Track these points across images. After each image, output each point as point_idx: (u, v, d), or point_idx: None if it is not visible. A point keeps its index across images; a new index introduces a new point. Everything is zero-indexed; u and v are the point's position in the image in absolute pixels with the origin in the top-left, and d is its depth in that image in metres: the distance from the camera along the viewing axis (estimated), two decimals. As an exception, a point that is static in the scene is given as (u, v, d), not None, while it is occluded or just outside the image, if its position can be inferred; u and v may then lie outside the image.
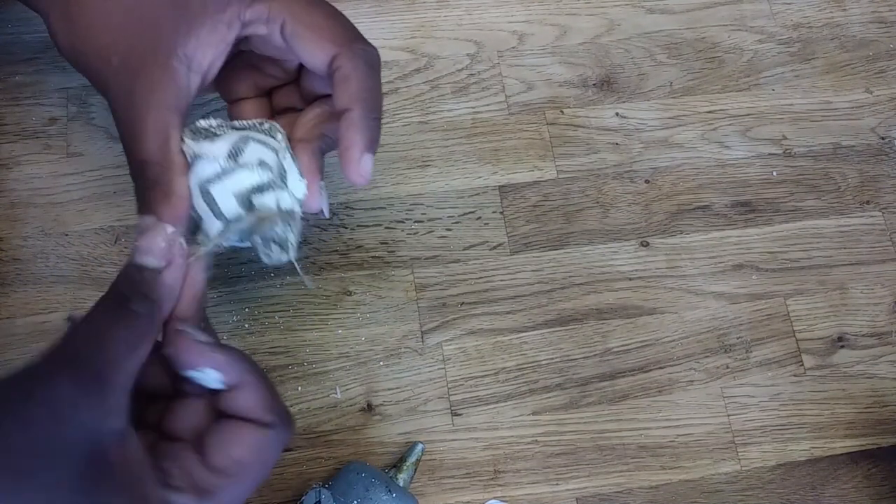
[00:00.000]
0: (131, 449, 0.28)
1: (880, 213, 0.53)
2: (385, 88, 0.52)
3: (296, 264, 0.37)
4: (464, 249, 0.49)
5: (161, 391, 0.33)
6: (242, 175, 0.35)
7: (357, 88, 0.36)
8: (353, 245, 0.49)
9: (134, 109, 0.35)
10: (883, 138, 0.55)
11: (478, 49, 0.54)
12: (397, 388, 0.46)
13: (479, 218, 0.50)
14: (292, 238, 0.36)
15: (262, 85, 0.40)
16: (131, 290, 0.30)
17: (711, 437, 0.47)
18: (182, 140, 0.35)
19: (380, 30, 0.54)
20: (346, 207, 0.49)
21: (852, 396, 0.49)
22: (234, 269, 0.47)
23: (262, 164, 0.35)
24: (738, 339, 0.49)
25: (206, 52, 0.35)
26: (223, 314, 0.46)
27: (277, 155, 0.36)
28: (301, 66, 0.40)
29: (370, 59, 0.37)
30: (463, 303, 0.48)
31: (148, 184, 0.34)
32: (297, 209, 0.37)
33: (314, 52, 0.36)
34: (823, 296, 0.51)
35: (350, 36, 0.37)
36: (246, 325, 0.46)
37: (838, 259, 0.52)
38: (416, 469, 0.44)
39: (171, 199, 0.34)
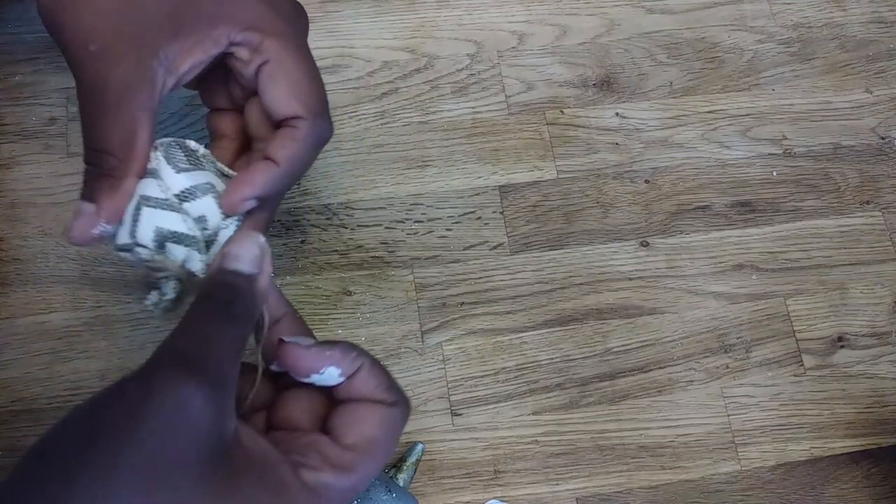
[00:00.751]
0: (253, 441, 0.29)
1: (880, 213, 0.53)
2: (385, 88, 0.53)
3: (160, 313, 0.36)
4: (464, 249, 0.49)
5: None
6: (175, 218, 0.34)
7: (293, 155, 0.36)
8: (353, 245, 0.49)
9: (104, 100, 0.34)
10: (883, 138, 0.55)
11: (478, 49, 0.54)
12: (397, 388, 0.46)
13: (479, 218, 0.50)
14: (171, 297, 0.35)
15: (237, 99, 0.39)
16: (232, 294, 0.30)
17: (711, 437, 0.47)
18: (155, 147, 0.35)
19: (380, 30, 0.54)
20: (346, 207, 0.49)
21: (852, 396, 0.49)
22: (234, 269, 0.47)
23: (200, 219, 0.34)
24: (738, 339, 0.49)
25: (187, 59, 0.35)
26: (223, 314, 0.46)
27: (224, 220, 0.35)
28: None
29: (321, 136, 0.37)
30: (463, 303, 0.48)
31: (101, 171, 0.34)
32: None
33: (279, 102, 0.36)
34: (823, 296, 0.51)
35: (319, 108, 0.37)
36: (246, 325, 0.46)
37: (838, 259, 0.52)
38: (416, 469, 0.44)
39: (116, 194, 0.34)
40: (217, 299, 0.30)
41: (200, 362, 0.27)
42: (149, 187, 0.34)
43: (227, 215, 0.35)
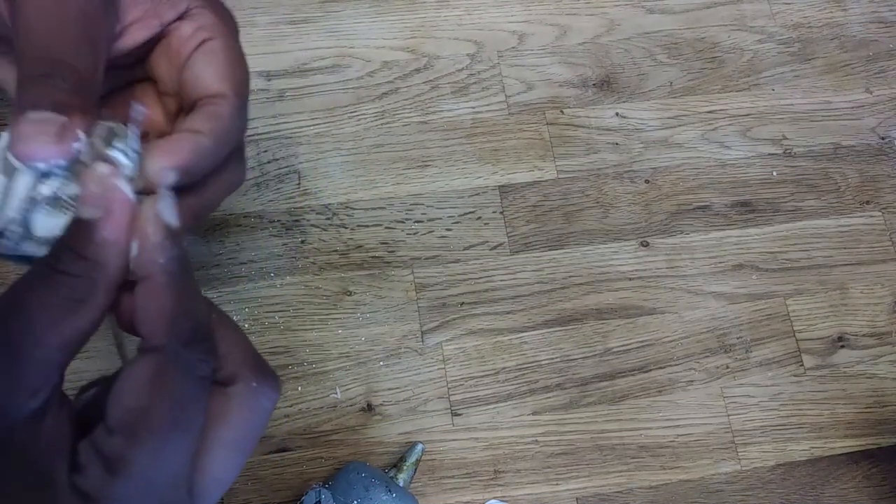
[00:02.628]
0: (46, 431, 0.23)
1: (880, 213, 0.53)
2: (385, 88, 0.52)
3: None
4: (464, 249, 0.49)
5: None
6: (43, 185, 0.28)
7: (220, 129, 0.31)
8: (353, 245, 0.49)
9: (65, 13, 0.28)
10: (883, 138, 0.55)
11: (478, 49, 0.54)
12: (397, 388, 0.46)
13: (479, 218, 0.50)
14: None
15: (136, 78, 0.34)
16: (60, 247, 0.25)
17: (711, 436, 0.47)
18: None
19: (380, 30, 0.54)
20: (346, 207, 0.49)
21: (852, 396, 0.49)
22: (234, 270, 0.47)
23: (57, 201, 0.28)
24: (738, 339, 0.49)
25: (140, 23, 0.31)
26: (223, 314, 0.46)
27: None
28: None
29: (241, 125, 0.33)
30: (463, 303, 0.48)
31: (66, 84, 0.28)
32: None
33: (208, 78, 0.32)
34: (823, 296, 0.51)
35: (244, 96, 0.33)
36: (246, 325, 0.46)
37: (838, 259, 0.52)
38: (416, 469, 0.44)
39: (87, 112, 0.28)
40: (45, 257, 0.25)
41: None
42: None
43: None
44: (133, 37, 0.32)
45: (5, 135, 0.29)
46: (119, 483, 0.23)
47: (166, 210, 0.27)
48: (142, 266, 0.25)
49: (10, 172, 0.28)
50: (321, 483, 0.42)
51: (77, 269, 0.24)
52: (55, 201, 0.28)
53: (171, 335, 0.25)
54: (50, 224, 0.28)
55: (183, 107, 0.33)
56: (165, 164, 0.28)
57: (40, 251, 0.28)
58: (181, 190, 0.30)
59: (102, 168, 0.26)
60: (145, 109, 0.31)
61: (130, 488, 0.23)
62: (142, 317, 0.25)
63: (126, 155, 0.28)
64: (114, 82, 0.33)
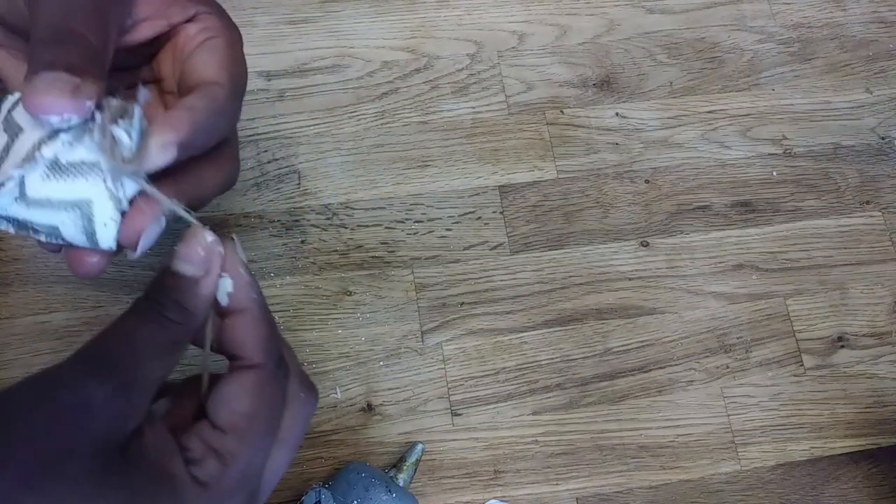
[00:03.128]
0: (154, 438, 0.28)
1: (880, 213, 0.53)
2: (385, 88, 0.53)
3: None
4: (464, 249, 0.49)
5: None
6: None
7: (213, 108, 0.32)
8: (352, 245, 0.49)
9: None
10: (883, 138, 0.55)
11: (478, 49, 0.54)
12: (397, 388, 0.46)
13: (479, 218, 0.50)
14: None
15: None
16: (166, 297, 0.29)
17: (711, 437, 0.47)
18: None
19: (380, 30, 0.54)
20: (346, 207, 0.49)
21: (852, 396, 0.49)
22: (234, 269, 0.47)
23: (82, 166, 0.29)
24: (738, 338, 0.49)
25: (150, 21, 0.34)
26: (223, 314, 0.46)
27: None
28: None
29: (235, 112, 0.35)
30: (463, 303, 0.48)
31: (78, 49, 0.29)
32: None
33: (207, 67, 0.34)
34: (823, 296, 0.51)
35: (241, 88, 0.35)
36: (246, 325, 0.46)
37: (838, 259, 0.52)
38: (416, 469, 0.44)
39: (100, 76, 0.29)
40: (151, 301, 0.29)
41: (110, 361, 0.27)
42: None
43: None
44: (141, 32, 0.34)
45: (10, 97, 0.30)
46: (230, 472, 0.28)
47: (242, 251, 0.31)
48: (239, 301, 0.30)
49: (14, 132, 0.28)
50: (321, 483, 0.42)
51: (180, 317, 0.29)
52: (54, 166, 0.29)
53: (268, 356, 0.30)
54: (45, 189, 0.29)
55: (180, 95, 0.34)
56: (169, 137, 0.30)
57: (30, 216, 0.29)
58: (177, 173, 0.32)
59: (209, 235, 0.29)
60: (150, 93, 0.33)
61: (237, 477, 0.29)
62: (241, 341, 0.30)
63: (129, 135, 0.29)
64: (119, 83, 0.33)
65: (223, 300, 0.30)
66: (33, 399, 0.26)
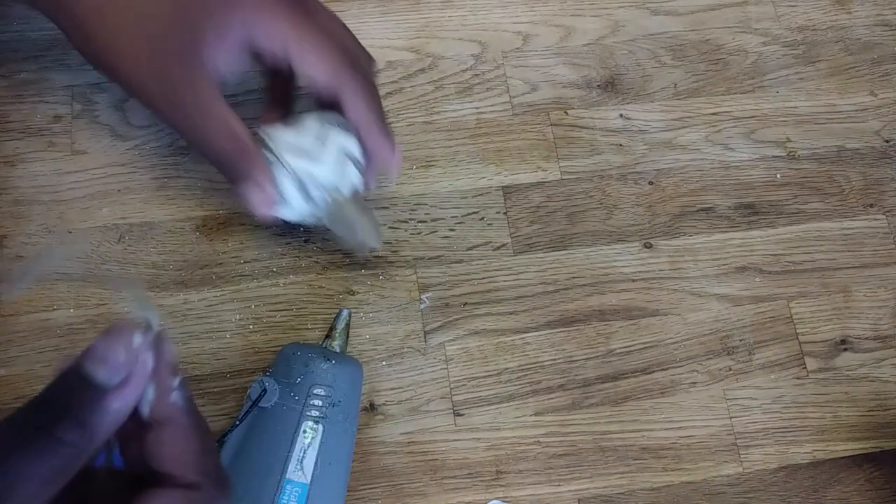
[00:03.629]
0: None
1: (884, 216, 0.53)
2: (389, 88, 0.53)
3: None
4: (467, 250, 0.49)
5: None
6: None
7: (369, 105, 0.41)
8: (356, 244, 0.49)
9: (186, 103, 0.36)
10: (887, 141, 0.55)
11: (482, 49, 0.54)
12: (400, 387, 0.46)
13: (483, 218, 0.50)
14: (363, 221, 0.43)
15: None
16: (63, 409, 0.23)
17: (714, 439, 0.47)
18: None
19: (384, 30, 0.54)
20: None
21: (855, 399, 0.49)
22: (238, 269, 0.47)
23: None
24: (740, 341, 0.49)
25: (219, 50, 0.37)
26: (226, 313, 0.46)
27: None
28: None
29: (370, 79, 0.42)
30: (466, 303, 0.48)
31: (237, 174, 0.39)
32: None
33: (317, 73, 0.39)
34: (826, 298, 0.51)
35: (357, 65, 0.41)
36: (249, 325, 0.46)
37: (842, 262, 0.52)
38: (348, 335, 0.44)
39: (264, 189, 0.40)
40: (43, 412, 0.23)
41: None
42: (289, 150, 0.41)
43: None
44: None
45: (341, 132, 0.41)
46: None
47: (171, 352, 0.27)
48: (162, 410, 0.26)
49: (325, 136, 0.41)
50: (262, 373, 0.42)
51: (75, 438, 0.23)
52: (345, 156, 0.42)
53: (202, 474, 0.26)
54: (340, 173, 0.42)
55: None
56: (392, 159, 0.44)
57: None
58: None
59: (138, 338, 0.25)
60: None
61: None
62: (170, 456, 0.25)
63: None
64: None
65: (144, 410, 0.26)
66: None
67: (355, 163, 0.42)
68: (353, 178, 0.42)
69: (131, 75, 0.37)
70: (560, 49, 0.55)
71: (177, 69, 0.36)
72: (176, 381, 0.26)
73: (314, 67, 0.38)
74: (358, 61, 0.40)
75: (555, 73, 0.54)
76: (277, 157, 0.40)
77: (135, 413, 0.26)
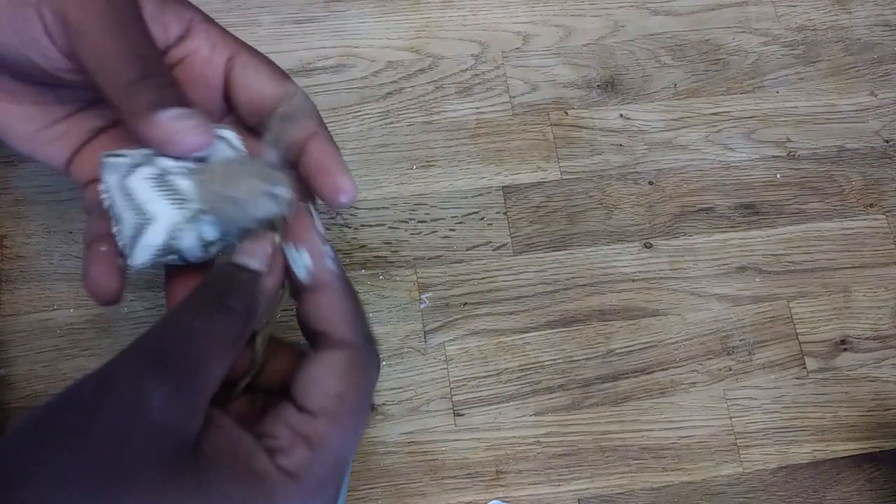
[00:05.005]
0: (225, 432, 0.26)
1: (884, 217, 0.53)
2: (389, 88, 0.53)
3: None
4: (467, 250, 0.49)
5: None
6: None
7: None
8: (356, 244, 0.49)
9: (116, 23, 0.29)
10: (887, 141, 0.55)
11: (482, 49, 0.54)
12: (399, 387, 0.46)
13: (483, 218, 0.50)
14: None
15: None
16: (230, 287, 0.28)
17: (714, 439, 0.47)
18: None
19: (384, 30, 0.54)
20: (350, 207, 0.49)
21: (855, 399, 0.49)
22: (238, 268, 0.47)
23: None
24: (740, 341, 0.49)
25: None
26: (226, 313, 0.46)
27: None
28: None
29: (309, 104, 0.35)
30: (466, 303, 0.48)
31: (164, 80, 0.30)
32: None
33: (264, 89, 0.34)
34: (827, 299, 0.51)
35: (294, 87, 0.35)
36: (249, 324, 0.46)
37: (842, 262, 0.52)
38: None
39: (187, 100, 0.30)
40: (212, 291, 0.28)
41: (168, 357, 0.25)
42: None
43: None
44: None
45: (116, 163, 0.30)
46: (322, 459, 0.27)
47: (320, 224, 0.30)
48: (320, 276, 0.30)
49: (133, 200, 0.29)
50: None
51: (244, 306, 0.27)
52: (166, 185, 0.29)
53: (356, 333, 0.29)
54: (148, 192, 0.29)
55: (245, 117, 0.34)
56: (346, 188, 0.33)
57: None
58: None
59: (275, 237, 0.29)
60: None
61: (330, 463, 0.27)
62: (328, 318, 0.29)
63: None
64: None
65: (303, 276, 0.30)
66: (83, 407, 0.24)
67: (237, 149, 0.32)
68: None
69: None
70: (560, 49, 0.55)
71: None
72: (328, 249, 0.30)
73: (261, 80, 0.33)
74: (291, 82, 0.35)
75: (555, 73, 0.54)
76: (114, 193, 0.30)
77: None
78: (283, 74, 0.34)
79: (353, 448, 0.29)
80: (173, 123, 0.29)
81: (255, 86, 0.33)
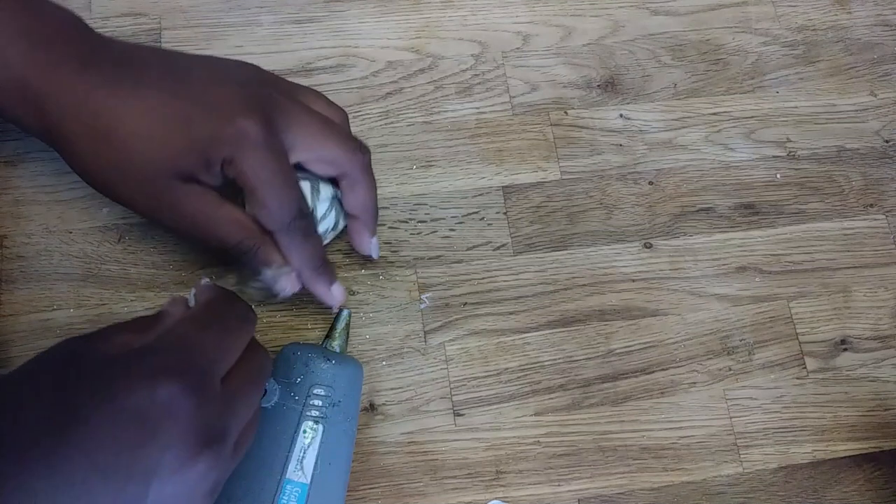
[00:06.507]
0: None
1: (884, 217, 0.53)
2: (389, 88, 0.53)
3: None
4: (467, 250, 0.49)
5: None
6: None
7: (366, 196, 0.44)
8: (356, 244, 0.49)
9: (188, 217, 0.40)
10: (887, 141, 0.55)
11: (482, 49, 0.54)
12: (400, 387, 0.46)
13: (483, 218, 0.50)
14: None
15: None
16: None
17: (714, 439, 0.47)
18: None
19: (384, 30, 0.54)
20: (350, 207, 0.49)
21: (855, 399, 0.49)
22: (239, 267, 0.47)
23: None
24: (740, 341, 0.49)
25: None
26: (226, 313, 0.46)
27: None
28: None
29: (366, 160, 0.44)
30: (466, 303, 0.48)
31: (255, 260, 0.41)
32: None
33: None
34: (826, 299, 0.51)
35: (352, 144, 0.43)
36: (249, 324, 0.46)
37: (842, 262, 0.52)
38: (348, 335, 0.43)
39: (282, 266, 0.42)
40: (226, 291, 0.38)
41: (191, 359, 0.32)
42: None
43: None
44: None
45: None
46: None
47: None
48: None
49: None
50: None
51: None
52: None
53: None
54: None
55: None
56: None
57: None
58: None
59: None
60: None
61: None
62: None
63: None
64: None
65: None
66: (107, 397, 0.29)
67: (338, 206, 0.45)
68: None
69: (131, 206, 0.41)
70: (560, 49, 0.55)
71: (173, 200, 0.39)
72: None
73: (323, 165, 0.43)
74: (361, 145, 0.43)
75: (555, 73, 0.54)
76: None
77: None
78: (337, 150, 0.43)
79: None
80: (281, 279, 0.42)
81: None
